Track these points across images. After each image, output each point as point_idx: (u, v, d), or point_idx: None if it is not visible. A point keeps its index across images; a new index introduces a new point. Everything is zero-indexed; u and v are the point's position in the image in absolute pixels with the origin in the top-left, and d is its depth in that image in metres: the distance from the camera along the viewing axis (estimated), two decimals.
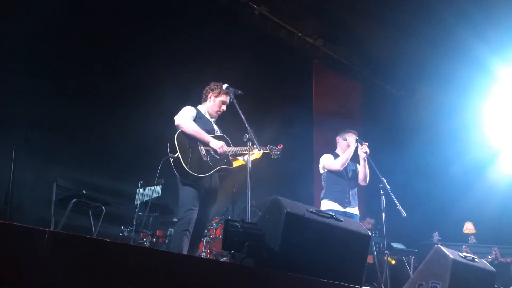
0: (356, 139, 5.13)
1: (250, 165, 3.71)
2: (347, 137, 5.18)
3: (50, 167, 5.45)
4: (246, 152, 4.08)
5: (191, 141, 3.94)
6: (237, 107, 3.95)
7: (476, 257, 3.82)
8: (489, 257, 6.48)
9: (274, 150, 4.32)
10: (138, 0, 6.37)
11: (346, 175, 5.09)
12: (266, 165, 4.75)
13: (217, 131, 4.22)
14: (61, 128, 5.56)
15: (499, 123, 8.38)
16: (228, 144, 4.12)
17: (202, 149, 3.97)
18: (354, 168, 5.18)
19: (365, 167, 5.03)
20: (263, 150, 4.21)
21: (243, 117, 3.85)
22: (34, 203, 5.32)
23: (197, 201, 3.89)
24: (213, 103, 4.23)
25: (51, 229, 1.62)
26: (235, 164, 4.25)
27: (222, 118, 4.46)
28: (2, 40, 5.06)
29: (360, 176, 5.09)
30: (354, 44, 8.33)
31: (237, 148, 4.11)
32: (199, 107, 4.25)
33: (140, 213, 5.63)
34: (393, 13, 7.22)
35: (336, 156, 5.20)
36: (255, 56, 7.26)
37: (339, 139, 5.30)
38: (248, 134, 3.80)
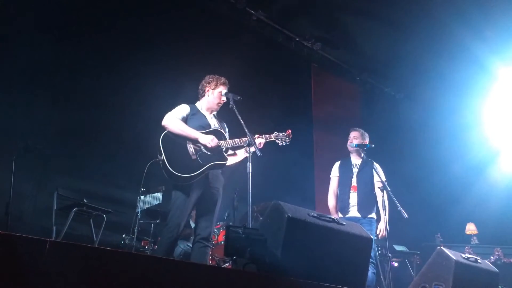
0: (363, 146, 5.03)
1: (251, 170, 3.62)
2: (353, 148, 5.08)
3: (50, 177, 5.46)
4: (243, 145, 3.91)
5: (179, 140, 3.81)
6: (236, 112, 3.87)
7: (479, 258, 3.81)
8: (492, 257, 6.45)
9: (281, 136, 4.10)
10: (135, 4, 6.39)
11: (348, 181, 4.99)
12: (267, 169, 4.74)
13: (214, 125, 4.06)
14: (61, 137, 5.56)
15: (498, 122, 8.39)
16: (221, 138, 3.92)
17: (191, 148, 3.81)
18: (361, 171, 5.03)
19: (384, 209, 4.67)
20: (267, 139, 4.05)
21: (242, 122, 3.80)
22: (35, 212, 5.32)
23: (186, 206, 3.72)
24: (212, 96, 4.11)
25: (53, 239, 1.62)
26: (236, 159, 4.07)
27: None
28: (0, 48, 5.08)
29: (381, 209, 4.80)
30: (352, 47, 8.34)
31: (234, 140, 3.91)
32: (196, 103, 4.15)
33: (141, 221, 5.63)
34: (391, 15, 7.23)
35: (345, 161, 5.18)
36: (253, 61, 7.28)
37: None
38: (248, 138, 3.74)
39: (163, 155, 3.68)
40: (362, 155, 5.07)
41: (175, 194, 3.78)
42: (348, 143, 5.20)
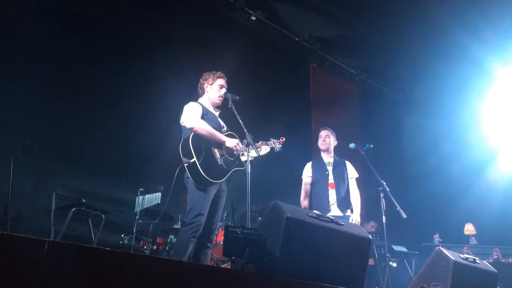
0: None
1: (249, 171, 3.64)
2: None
3: (49, 176, 5.44)
4: (259, 147, 4.00)
5: (205, 143, 3.75)
6: (235, 112, 3.87)
7: (477, 258, 3.81)
8: (491, 258, 6.45)
9: (276, 143, 4.15)
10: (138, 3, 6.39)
11: (324, 179, 4.96)
12: (266, 170, 4.74)
13: (223, 127, 4.06)
14: (60, 137, 5.55)
15: (497, 122, 8.39)
16: None
17: (216, 152, 3.79)
18: (336, 168, 5.02)
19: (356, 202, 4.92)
20: (269, 146, 4.11)
21: (241, 122, 3.79)
22: (34, 212, 5.30)
23: (207, 206, 3.72)
24: (212, 91, 4.07)
25: (51, 239, 1.62)
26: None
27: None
28: (0, 47, 5.08)
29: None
30: (351, 47, 8.34)
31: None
32: (201, 101, 4.08)
33: (140, 221, 5.62)
34: (389, 15, 7.23)
35: (317, 161, 5.19)
36: (252, 61, 7.28)
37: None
38: (246, 139, 3.74)
39: (195, 158, 3.60)
40: (333, 153, 5.13)
41: (195, 194, 3.71)
42: (321, 142, 5.17)
